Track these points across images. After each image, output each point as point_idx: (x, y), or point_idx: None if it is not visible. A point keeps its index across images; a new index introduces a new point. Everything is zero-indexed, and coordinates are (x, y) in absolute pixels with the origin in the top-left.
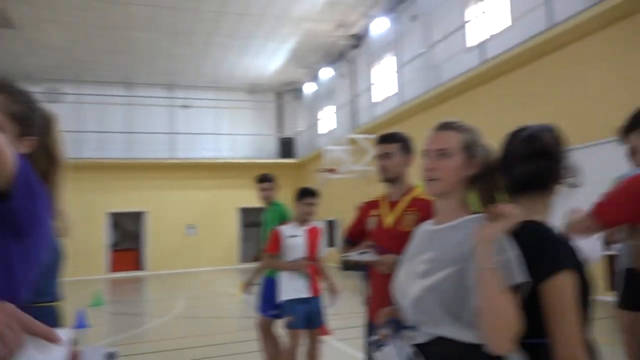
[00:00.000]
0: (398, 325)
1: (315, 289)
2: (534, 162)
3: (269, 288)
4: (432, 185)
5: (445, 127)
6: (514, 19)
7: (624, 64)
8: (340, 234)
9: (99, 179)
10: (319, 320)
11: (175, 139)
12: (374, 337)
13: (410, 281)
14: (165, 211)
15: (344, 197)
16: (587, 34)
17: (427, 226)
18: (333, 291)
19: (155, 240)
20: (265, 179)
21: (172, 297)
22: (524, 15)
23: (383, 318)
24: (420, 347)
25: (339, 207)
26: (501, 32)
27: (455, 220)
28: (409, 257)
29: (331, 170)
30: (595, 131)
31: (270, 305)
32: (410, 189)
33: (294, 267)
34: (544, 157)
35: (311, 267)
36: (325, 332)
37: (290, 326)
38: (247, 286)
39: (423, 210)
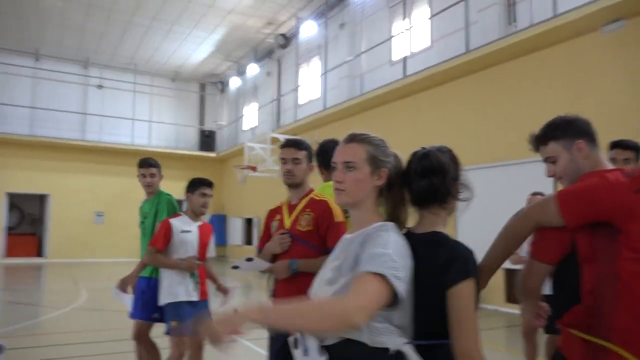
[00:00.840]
0: None
1: (203, 292)
2: (427, 178)
3: (149, 288)
4: (340, 196)
5: (352, 139)
6: (433, 41)
7: (528, 93)
8: (258, 234)
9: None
10: None
11: (87, 120)
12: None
13: (320, 287)
14: (71, 196)
15: (264, 195)
16: (499, 62)
17: (345, 235)
18: (225, 291)
19: (58, 226)
20: (148, 164)
21: (74, 287)
22: (442, 38)
23: None
24: (328, 348)
25: (258, 205)
26: (421, 51)
27: (363, 230)
28: (326, 264)
29: (251, 168)
30: (497, 153)
31: (150, 308)
32: (308, 192)
33: (186, 266)
34: (436, 174)
35: (200, 268)
36: (233, 332)
37: (175, 333)
38: (125, 283)
39: (317, 211)
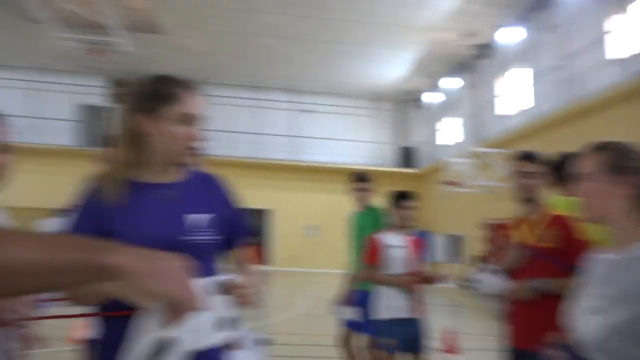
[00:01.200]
0: (572, 353)
1: (417, 309)
2: None
3: (365, 301)
4: (582, 210)
5: (588, 150)
6: None
7: None
8: (467, 251)
9: (229, 176)
10: (420, 345)
11: (295, 142)
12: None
13: (585, 316)
14: (288, 211)
15: (469, 212)
16: None
17: (603, 255)
18: (436, 278)
19: (279, 238)
20: (362, 179)
21: (295, 294)
22: None
23: (554, 342)
24: None
25: (464, 222)
26: None
27: (632, 251)
28: (584, 289)
29: (454, 183)
30: None
31: (367, 321)
32: (544, 206)
33: (399, 283)
34: None
35: (414, 284)
36: (452, 351)
37: (385, 349)
38: (345, 297)
39: (561, 227)
